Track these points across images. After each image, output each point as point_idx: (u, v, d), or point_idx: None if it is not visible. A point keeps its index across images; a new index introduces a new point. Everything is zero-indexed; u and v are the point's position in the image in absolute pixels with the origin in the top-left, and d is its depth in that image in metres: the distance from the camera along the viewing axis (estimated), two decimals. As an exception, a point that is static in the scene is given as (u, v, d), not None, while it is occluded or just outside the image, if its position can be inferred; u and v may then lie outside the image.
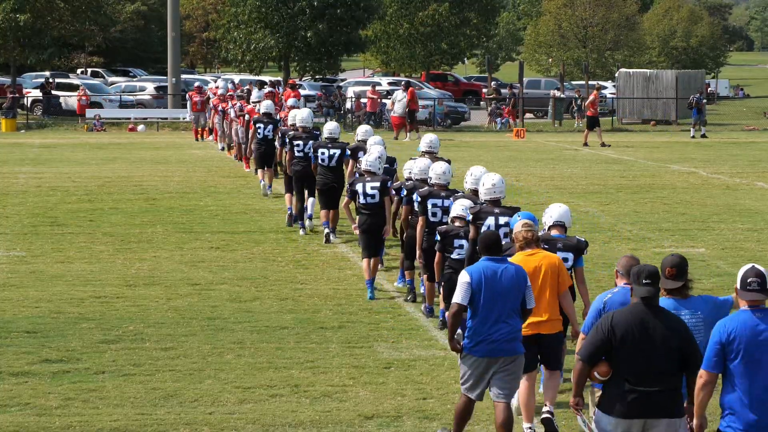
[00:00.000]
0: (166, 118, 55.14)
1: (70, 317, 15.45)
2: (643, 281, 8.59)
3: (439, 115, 56.69)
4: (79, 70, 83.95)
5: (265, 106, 28.24)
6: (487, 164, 36.09)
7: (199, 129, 44.95)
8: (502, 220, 13.54)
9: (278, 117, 28.16)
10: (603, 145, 44.66)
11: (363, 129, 21.53)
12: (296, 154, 22.41)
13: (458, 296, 10.36)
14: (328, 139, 21.49)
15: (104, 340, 14.27)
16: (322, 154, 21.27)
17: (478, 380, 10.50)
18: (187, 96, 44.20)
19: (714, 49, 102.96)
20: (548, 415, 11.18)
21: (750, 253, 20.70)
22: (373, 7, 66.88)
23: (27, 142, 44.92)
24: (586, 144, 45.11)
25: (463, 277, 10.42)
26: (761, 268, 8.35)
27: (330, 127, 21.88)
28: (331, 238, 21.45)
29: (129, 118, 55.08)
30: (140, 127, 52.69)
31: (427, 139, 18.85)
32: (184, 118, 53.20)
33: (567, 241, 12.05)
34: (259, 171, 28.10)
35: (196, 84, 47.48)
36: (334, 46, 65.38)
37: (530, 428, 11.08)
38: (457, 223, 14.35)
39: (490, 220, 13.56)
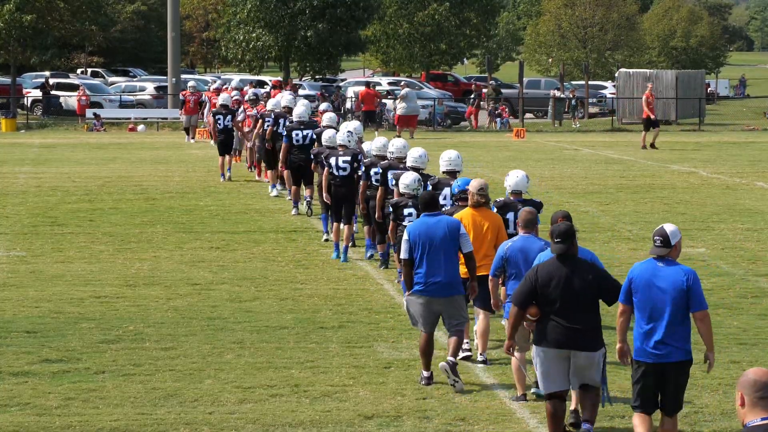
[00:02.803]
0: (166, 118, 55.15)
1: (70, 317, 15.45)
2: (555, 240, 10.44)
3: (439, 115, 56.71)
4: (79, 70, 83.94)
5: (222, 99, 31.57)
6: (487, 164, 36.25)
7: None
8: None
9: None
10: (650, 146, 42.81)
11: (328, 116, 23.25)
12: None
13: (402, 253, 12.57)
14: (299, 122, 23.82)
15: (104, 340, 14.28)
16: (296, 135, 23.63)
17: (425, 318, 12.48)
18: (204, 97, 43.68)
19: (714, 49, 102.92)
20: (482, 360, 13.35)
21: (750, 252, 20.69)
22: (373, 7, 66.84)
23: (27, 142, 44.93)
24: (650, 146, 42.80)
25: (404, 235, 12.61)
26: (668, 229, 9.99)
27: (299, 111, 24.22)
28: (304, 205, 24.18)
29: (129, 118, 55.11)
30: (140, 127, 52.70)
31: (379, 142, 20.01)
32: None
33: (524, 205, 14.06)
34: (225, 158, 30.70)
35: (214, 86, 47.14)
36: (334, 46, 65.36)
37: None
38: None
39: (447, 191, 15.77)
